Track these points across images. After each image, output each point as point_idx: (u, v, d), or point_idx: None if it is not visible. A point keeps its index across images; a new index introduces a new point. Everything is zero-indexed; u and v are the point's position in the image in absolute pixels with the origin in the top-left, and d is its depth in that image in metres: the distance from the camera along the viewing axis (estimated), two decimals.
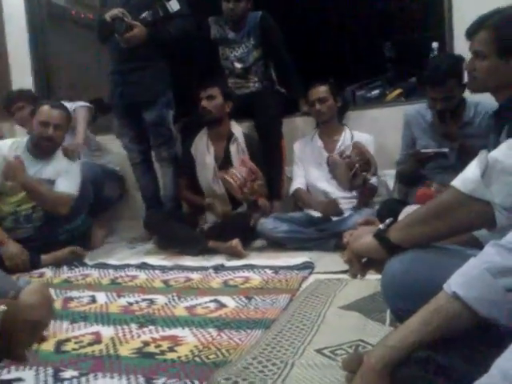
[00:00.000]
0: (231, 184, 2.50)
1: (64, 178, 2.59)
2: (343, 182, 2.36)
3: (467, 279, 0.75)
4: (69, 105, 2.87)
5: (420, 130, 2.47)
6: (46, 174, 2.57)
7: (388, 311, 1.37)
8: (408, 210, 2.05)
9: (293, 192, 2.79)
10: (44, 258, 2.42)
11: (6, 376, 1.20)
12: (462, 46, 2.45)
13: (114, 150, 3.33)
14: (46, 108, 2.54)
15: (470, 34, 1.59)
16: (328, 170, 2.47)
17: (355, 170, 2.26)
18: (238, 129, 2.89)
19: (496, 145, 1.72)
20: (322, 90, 2.70)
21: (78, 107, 3.08)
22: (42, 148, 2.58)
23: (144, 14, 2.75)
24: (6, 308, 0.68)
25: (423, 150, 2.34)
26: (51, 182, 2.57)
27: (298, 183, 2.79)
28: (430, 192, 2.18)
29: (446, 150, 2.26)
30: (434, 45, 2.94)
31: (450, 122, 2.31)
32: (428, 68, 2.29)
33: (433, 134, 2.43)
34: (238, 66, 3.16)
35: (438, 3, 3.04)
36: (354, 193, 2.64)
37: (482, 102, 2.30)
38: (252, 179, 2.54)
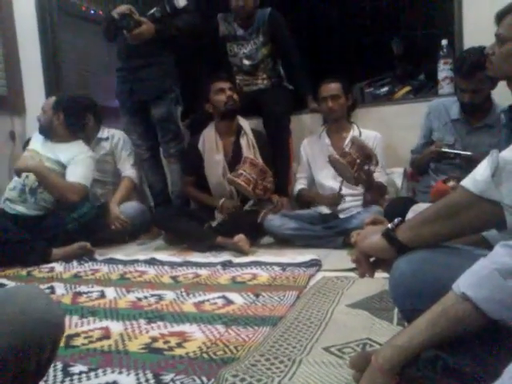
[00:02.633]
0: (244, 187, 2.50)
1: (75, 166, 2.70)
2: (348, 180, 2.38)
3: (476, 280, 0.75)
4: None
5: (440, 122, 2.49)
6: (55, 156, 2.75)
7: (396, 310, 1.37)
8: (416, 208, 2.05)
9: (296, 193, 2.80)
10: (54, 252, 2.45)
11: None
12: (472, 43, 2.44)
13: None
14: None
15: (498, 18, 1.57)
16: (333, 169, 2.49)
17: (357, 165, 2.27)
18: (245, 123, 2.89)
19: (508, 141, 1.71)
20: (334, 87, 2.68)
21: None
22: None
23: (152, 11, 2.75)
24: None
25: (446, 149, 2.35)
26: (59, 164, 2.73)
27: (300, 184, 2.80)
28: (447, 188, 2.17)
29: (469, 153, 2.27)
30: (444, 42, 2.92)
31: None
32: (457, 59, 2.34)
33: (452, 130, 2.43)
34: (247, 62, 3.16)
35: (447, 0, 3.02)
36: (362, 190, 2.64)
37: None
38: (262, 178, 2.54)
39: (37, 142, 2.86)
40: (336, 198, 2.57)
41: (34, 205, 2.65)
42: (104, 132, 3.10)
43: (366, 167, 2.33)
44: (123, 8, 2.71)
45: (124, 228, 2.80)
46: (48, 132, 2.83)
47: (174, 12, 2.80)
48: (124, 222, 2.78)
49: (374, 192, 2.57)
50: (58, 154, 2.75)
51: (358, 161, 2.28)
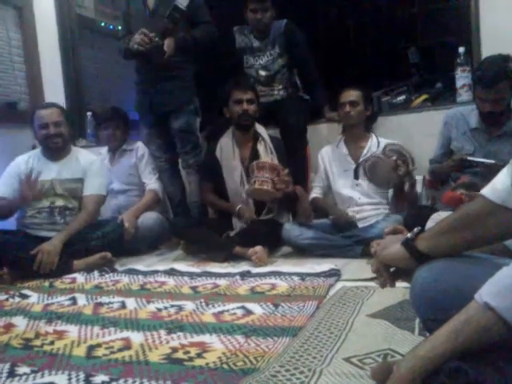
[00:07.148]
0: (265, 190, 2.50)
1: (91, 178, 2.74)
2: (385, 180, 2.40)
3: (499, 289, 0.74)
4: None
5: (458, 131, 2.48)
6: (68, 174, 2.71)
7: (417, 320, 1.36)
8: (436, 216, 2.03)
9: (310, 201, 2.80)
10: (76, 263, 2.48)
11: (39, 380, 1.24)
12: (489, 50, 2.43)
13: None
14: (40, 112, 2.70)
15: None
16: (366, 174, 2.50)
17: (395, 163, 2.33)
18: (262, 129, 2.89)
19: None
20: (354, 94, 2.69)
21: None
22: (53, 148, 2.70)
23: (163, 23, 2.75)
24: None
25: (469, 158, 2.33)
26: (78, 180, 2.71)
27: (314, 192, 2.79)
28: (457, 195, 2.16)
29: (492, 161, 2.23)
30: (461, 50, 2.90)
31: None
32: (479, 68, 2.29)
33: (471, 139, 2.42)
34: (263, 73, 3.18)
35: (464, 8, 3.01)
36: (382, 199, 2.63)
37: None
38: (276, 174, 2.54)
39: (40, 172, 2.65)
40: (346, 221, 2.56)
41: (65, 225, 2.62)
42: (129, 143, 3.18)
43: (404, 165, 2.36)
44: (140, 37, 2.72)
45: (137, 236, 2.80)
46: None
47: (184, 15, 2.76)
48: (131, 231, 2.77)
49: (403, 198, 2.55)
50: (72, 171, 2.70)
51: (394, 157, 2.34)
